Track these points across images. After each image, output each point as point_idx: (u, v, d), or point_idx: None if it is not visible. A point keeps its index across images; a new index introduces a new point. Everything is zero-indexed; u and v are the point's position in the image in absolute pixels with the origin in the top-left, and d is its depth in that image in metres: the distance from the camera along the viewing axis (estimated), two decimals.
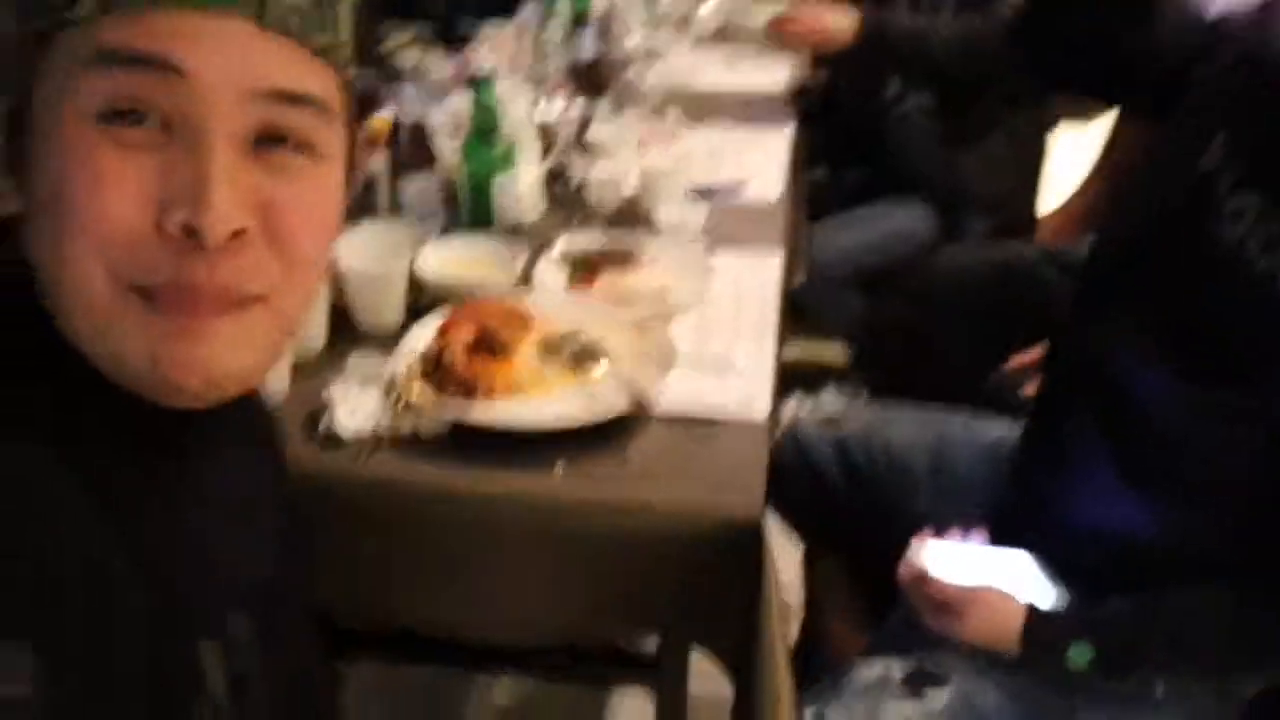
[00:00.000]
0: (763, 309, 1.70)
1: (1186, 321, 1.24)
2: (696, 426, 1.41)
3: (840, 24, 2.54)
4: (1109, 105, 2.04)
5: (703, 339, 1.59)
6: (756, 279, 1.79)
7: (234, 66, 0.63)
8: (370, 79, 3.22)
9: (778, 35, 2.64)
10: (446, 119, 1.97)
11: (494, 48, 2.91)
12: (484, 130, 1.84)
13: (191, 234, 0.61)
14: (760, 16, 3.42)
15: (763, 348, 1.58)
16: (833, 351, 2.84)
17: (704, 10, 3.39)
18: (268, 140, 0.65)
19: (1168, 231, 1.30)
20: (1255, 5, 1.13)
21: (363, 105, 2.50)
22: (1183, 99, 1.37)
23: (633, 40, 2.71)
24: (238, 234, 0.63)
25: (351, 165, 0.75)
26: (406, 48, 3.99)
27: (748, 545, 1.25)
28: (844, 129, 2.90)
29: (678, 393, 1.44)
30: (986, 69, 2.47)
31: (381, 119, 2.36)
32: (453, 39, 2.88)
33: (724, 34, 3.36)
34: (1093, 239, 1.55)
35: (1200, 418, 1.22)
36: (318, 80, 0.68)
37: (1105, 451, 1.33)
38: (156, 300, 0.63)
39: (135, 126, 0.62)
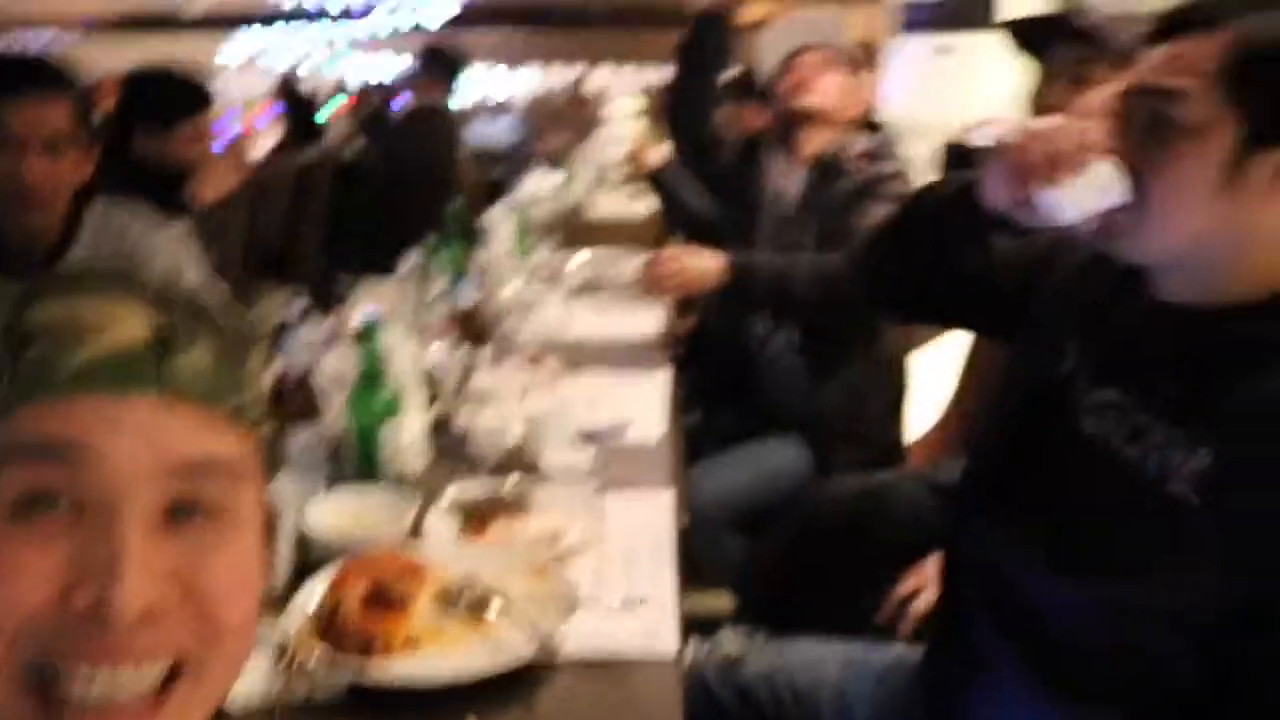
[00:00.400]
0: (657, 548, 1.70)
1: (1069, 521, 1.28)
2: (604, 669, 1.37)
3: (708, 266, 2.66)
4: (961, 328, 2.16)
5: (601, 580, 1.57)
6: (648, 519, 1.79)
7: (143, 445, 0.64)
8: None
9: (648, 280, 2.74)
10: (332, 371, 1.97)
11: (373, 302, 2.96)
12: (370, 378, 1.84)
13: (100, 612, 0.61)
14: (626, 269, 3.58)
15: (662, 585, 1.57)
16: (720, 600, 2.83)
17: (573, 264, 3.52)
18: (181, 509, 0.66)
19: (1037, 436, 1.35)
20: (1093, 217, 1.24)
21: None
22: (1029, 312, 1.46)
23: (508, 291, 2.78)
24: (152, 606, 0.63)
25: (270, 521, 0.75)
26: (281, 309, 4.03)
27: None
28: (715, 371, 3.00)
29: (582, 635, 1.41)
30: (844, 304, 2.61)
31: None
32: (329, 298, 2.92)
33: (592, 286, 3.49)
34: (969, 453, 1.61)
35: (1095, 618, 1.24)
36: (228, 444, 0.69)
37: (1012, 657, 1.34)
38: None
39: (47, 513, 0.63)
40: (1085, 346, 1.33)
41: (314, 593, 1.47)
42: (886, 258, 1.66)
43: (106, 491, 0.63)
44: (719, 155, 3.05)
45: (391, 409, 1.86)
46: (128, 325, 0.67)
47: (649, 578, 1.59)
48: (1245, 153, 1.13)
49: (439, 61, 5.55)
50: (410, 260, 2.49)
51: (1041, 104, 2.01)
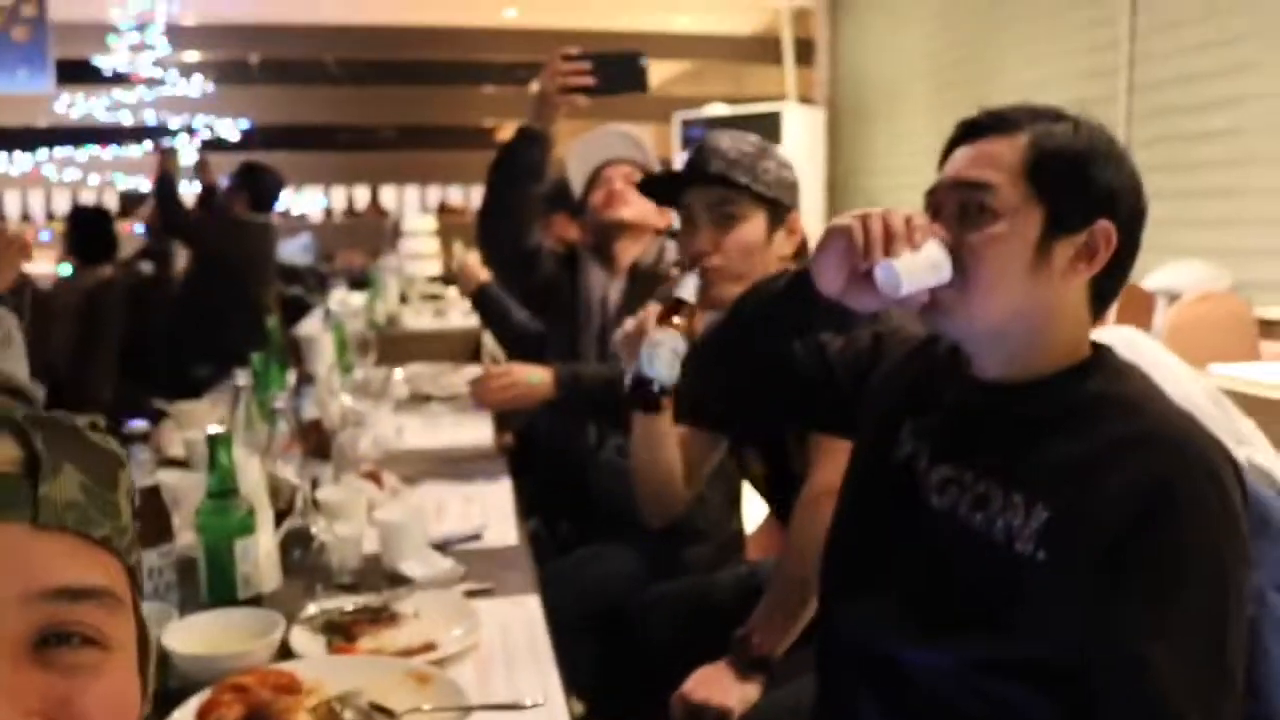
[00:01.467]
0: (535, 649, 1.68)
1: (932, 591, 1.36)
2: None
3: (536, 379, 2.69)
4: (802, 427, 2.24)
5: (484, 684, 1.55)
6: (520, 621, 1.77)
7: (12, 574, 0.63)
8: None
9: (479, 394, 2.75)
10: (172, 493, 1.89)
11: (185, 424, 2.86)
12: (222, 493, 1.78)
13: None
14: (453, 382, 3.57)
15: (548, 684, 1.55)
16: (574, 705, 2.80)
17: (398, 376, 3.50)
18: (53, 638, 0.64)
19: (890, 518, 1.44)
20: (923, 293, 1.36)
21: None
22: (864, 404, 1.57)
23: (336, 406, 2.73)
24: None
25: (145, 646, 0.74)
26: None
27: None
28: (549, 480, 3.01)
29: None
30: None
31: None
32: (127, 433, 2.80)
33: (418, 399, 3.47)
34: (826, 541, 1.67)
35: (969, 679, 1.31)
36: (102, 570, 0.67)
37: None
38: None
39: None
40: (918, 428, 1.45)
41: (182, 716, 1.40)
42: (718, 371, 1.72)
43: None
44: (537, 268, 3.09)
45: (246, 526, 1.79)
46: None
47: (533, 681, 1.57)
48: (1048, 239, 1.30)
49: (256, 180, 5.48)
50: (240, 378, 2.42)
51: (690, 249, 2.05)
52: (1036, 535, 1.24)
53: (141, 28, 7.77)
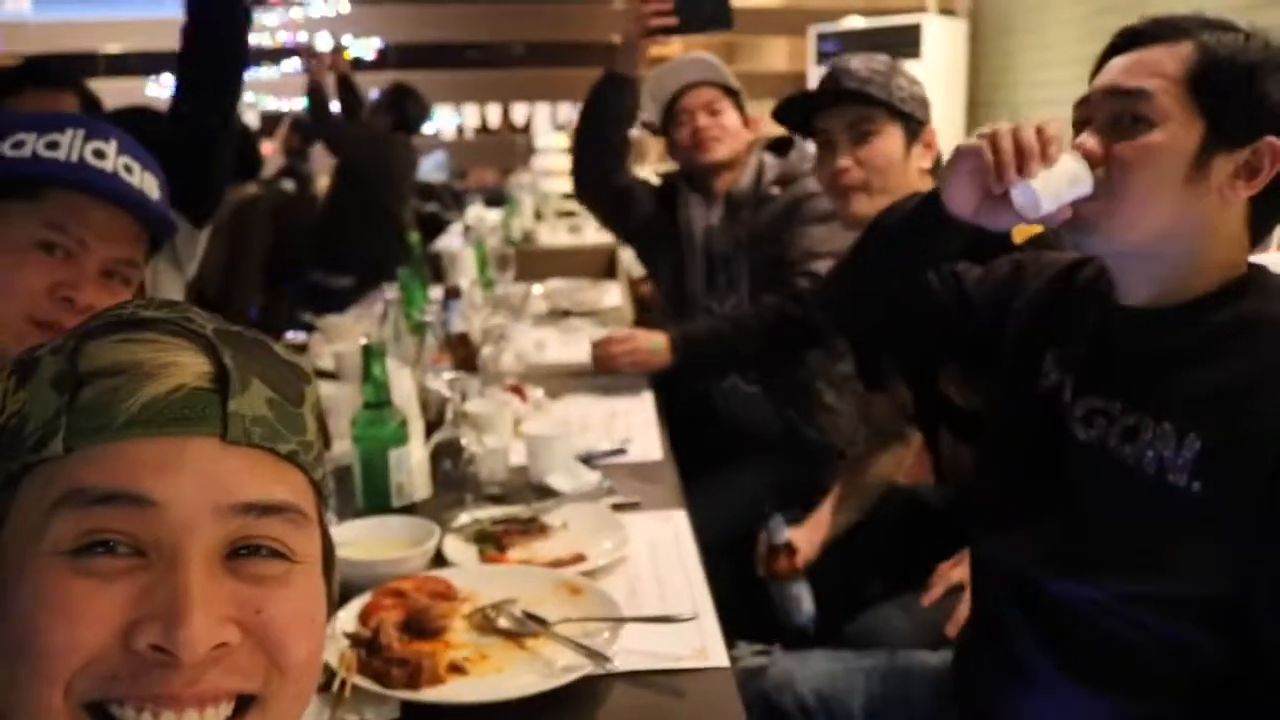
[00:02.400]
0: (683, 563, 1.68)
1: (1082, 525, 1.31)
2: (659, 679, 1.35)
3: (654, 345, 2.70)
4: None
5: (633, 596, 1.56)
6: (667, 536, 1.78)
7: (203, 488, 0.64)
8: None
9: (600, 359, 2.74)
10: (326, 402, 1.93)
11: (332, 337, 2.92)
12: (377, 405, 1.81)
13: (165, 654, 0.61)
14: (588, 295, 3.58)
15: (698, 597, 1.55)
16: None
17: (536, 292, 3.52)
18: (243, 550, 0.66)
19: (1037, 450, 1.38)
20: (1065, 209, 1.29)
21: None
22: (1003, 335, 1.50)
23: (479, 320, 2.76)
24: (218, 646, 0.63)
25: (329, 558, 0.75)
26: None
27: None
28: (674, 404, 2.99)
29: (631, 648, 1.39)
30: (794, 348, 2.65)
31: None
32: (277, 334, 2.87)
33: (555, 314, 3.49)
34: (977, 471, 1.62)
35: (1121, 614, 1.26)
36: (287, 486, 0.69)
37: (1048, 658, 1.36)
38: None
39: (107, 556, 0.62)
40: (1063, 358, 1.38)
41: (346, 621, 1.44)
42: (856, 288, 1.68)
43: (168, 534, 0.63)
44: (632, 207, 3.05)
45: (399, 437, 1.82)
46: (187, 368, 0.66)
47: (683, 595, 1.57)
48: (1207, 153, 1.21)
49: (403, 103, 5.55)
50: (388, 291, 2.45)
51: (830, 174, 2.05)
52: (1190, 466, 1.18)
53: None
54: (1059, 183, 1.25)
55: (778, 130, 2.58)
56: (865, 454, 2.41)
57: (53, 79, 2.34)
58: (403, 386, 1.94)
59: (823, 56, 6.98)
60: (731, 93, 2.85)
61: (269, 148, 7.15)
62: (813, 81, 6.79)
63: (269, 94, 8.40)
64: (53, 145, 1.36)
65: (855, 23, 6.87)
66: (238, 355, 0.68)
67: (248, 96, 8.21)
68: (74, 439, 0.63)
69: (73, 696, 0.61)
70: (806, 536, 2.24)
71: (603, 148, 2.95)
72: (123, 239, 1.41)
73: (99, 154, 1.37)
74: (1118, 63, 1.28)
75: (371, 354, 1.82)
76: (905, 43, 6.04)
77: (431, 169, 7.72)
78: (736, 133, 2.82)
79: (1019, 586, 1.40)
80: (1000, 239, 1.57)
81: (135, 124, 1.59)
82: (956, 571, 1.88)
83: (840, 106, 2.04)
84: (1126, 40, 1.30)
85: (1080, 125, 1.31)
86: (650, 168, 6.27)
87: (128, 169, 1.40)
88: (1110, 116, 1.26)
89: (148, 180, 1.43)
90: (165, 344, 0.67)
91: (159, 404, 0.64)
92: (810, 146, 2.90)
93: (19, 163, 1.36)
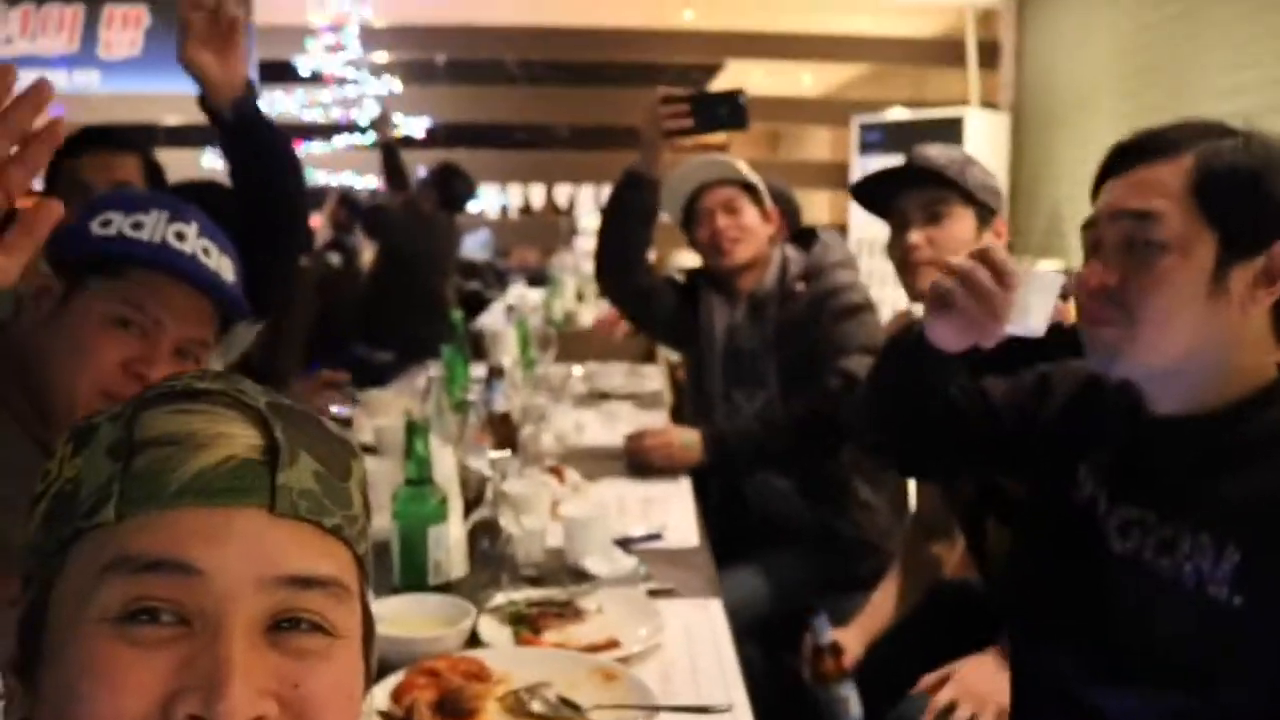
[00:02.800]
0: (719, 652, 1.67)
1: (1124, 637, 1.28)
2: None
3: (687, 442, 2.71)
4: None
5: (667, 684, 1.55)
6: (703, 623, 1.77)
7: (249, 559, 0.65)
8: None
9: (634, 454, 2.75)
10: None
11: (373, 411, 2.95)
12: (418, 481, 1.82)
13: None
14: (628, 380, 3.60)
15: (734, 688, 1.54)
16: None
17: (576, 373, 3.54)
18: (285, 623, 0.67)
19: (1073, 562, 1.36)
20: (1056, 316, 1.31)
21: None
22: (1032, 447, 1.49)
23: (520, 400, 2.78)
24: None
25: (369, 633, 0.76)
26: None
27: None
28: (705, 492, 2.99)
29: None
30: (825, 441, 2.65)
31: None
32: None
33: (595, 396, 3.51)
34: (1011, 581, 1.60)
35: None
36: (331, 560, 0.70)
37: None
38: None
39: (151, 625, 0.63)
40: (1096, 469, 1.37)
41: (378, 698, 1.44)
42: (880, 411, 1.67)
43: (212, 605, 0.63)
44: (655, 303, 3.08)
45: (439, 514, 1.83)
46: (238, 439, 0.68)
47: (717, 685, 1.56)
48: (1223, 267, 1.20)
49: (449, 181, 5.65)
50: (432, 368, 2.48)
51: (902, 250, 2.10)
52: (1230, 578, 1.15)
53: (336, 29, 8.09)
54: (1040, 300, 1.29)
55: (819, 218, 2.61)
56: (911, 548, 2.39)
57: (114, 141, 2.39)
58: (444, 464, 1.95)
59: (866, 147, 7.06)
60: (749, 189, 2.88)
61: (316, 221, 7.29)
62: (856, 173, 6.88)
63: (318, 168, 8.58)
64: (138, 225, 1.40)
65: (898, 114, 6.95)
66: (288, 428, 0.69)
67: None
68: (125, 506, 0.65)
69: None
70: (854, 636, 2.22)
71: (624, 246, 2.98)
72: (197, 319, 1.45)
73: (180, 236, 1.42)
74: (1118, 183, 1.29)
75: (416, 431, 1.84)
76: (948, 135, 6.10)
77: (475, 247, 7.82)
78: (756, 231, 2.84)
79: (1061, 694, 1.37)
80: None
81: (204, 199, 1.62)
82: (944, 693, 1.85)
83: (916, 188, 2.10)
84: (1122, 158, 1.30)
85: (1090, 248, 1.31)
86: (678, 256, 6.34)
87: (206, 251, 1.44)
88: (1122, 240, 1.25)
89: (224, 263, 1.48)
90: (218, 415, 0.68)
91: (209, 474, 0.66)
92: (831, 239, 2.95)
93: (105, 241, 1.40)
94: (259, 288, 2.06)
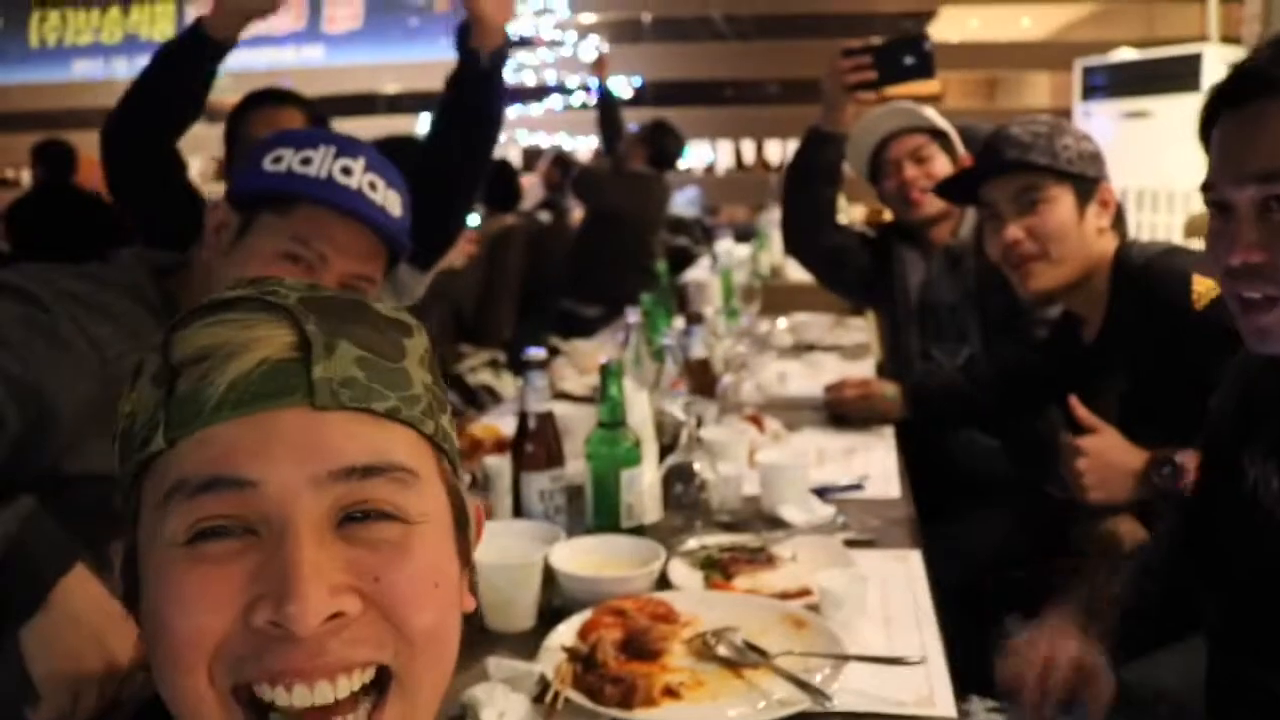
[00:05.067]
0: (915, 605, 1.60)
1: None
2: None
3: (889, 394, 2.61)
4: None
5: (860, 635, 1.49)
6: (900, 576, 1.70)
7: (298, 460, 0.63)
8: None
9: (835, 404, 2.67)
10: (563, 421, 1.96)
11: (577, 360, 2.97)
12: (611, 424, 1.81)
13: (281, 629, 0.61)
14: (835, 332, 3.51)
15: (928, 642, 1.47)
16: None
17: (781, 325, 3.48)
18: (355, 515, 0.65)
19: (1245, 552, 1.29)
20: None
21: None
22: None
23: (722, 349, 2.75)
24: (335, 617, 0.62)
25: (461, 515, 0.73)
26: (479, 369, 4.10)
27: None
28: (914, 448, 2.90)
29: (853, 688, 1.33)
30: (1032, 395, 2.50)
31: (485, 425, 2.36)
32: (521, 362, 2.95)
33: (799, 348, 3.44)
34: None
35: None
36: (391, 444, 0.67)
37: None
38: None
39: (218, 540, 0.63)
40: (1256, 453, 1.27)
41: (566, 635, 1.44)
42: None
43: (273, 511, 0.63)
44: (844, 263, 2.96)
45: (632, 457, 1.82)
46: (269, 341, 0.66)
47: (911, 638, 1.49)
48: None
49: (660, 138, 5.67)
50: (631, 315, 2.47)
51: (1001, 247, 1.97)
52: None
53: None
54: None
55: None
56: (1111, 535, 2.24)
57: (277, 97, 2.51)
58: (639, 408, 1.94)
59: (1089, 91, 6.66)
60: (940, 136, 2.74)
61: (529, 180, 7.44)
62: (1079, 119, 6.51)
63: (531, 129, 8.75)
64: (306, 161, 1.43)
65: (1126, 54, 6.52)
66: (323, 320, 0.67)
67: (510, 132, 8.58)
68: (173, 432, 0.64)
69: (216, 682, 0.62)
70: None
71: (810, 205, 2.91)
72: (361, 254, 1.47)
73: (346, 171, 1.44)
74: (1235, 133, 1.14)
75: (609, 374, 1.82)
76: (1182, 74, 5.69)
77: (684, 204, 7.82)
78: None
79: (1254, 689, 1.27)
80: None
81: (392, 151, 1.65)
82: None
83: (1004, 176, 1.96)
84: (1231, 97, 1.14)
85: (1217, 208, 1.17)
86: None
87: (372, 186, 1.46)
88: (1254, 206, 1.12)
89: (391, 197, 1.49)
90: (249, 320, 0.67)
91: (243, 382, 0.64)
92: None
93: (274, 177, 1.44)
94: (433, 241, 2.10)
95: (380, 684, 0.65)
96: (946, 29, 8.54)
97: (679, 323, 2.97)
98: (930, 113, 2.75)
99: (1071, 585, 1.93)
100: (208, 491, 0.63)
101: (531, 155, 8.84)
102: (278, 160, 1.44)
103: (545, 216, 6.49)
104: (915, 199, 2.70)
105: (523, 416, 1.86)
